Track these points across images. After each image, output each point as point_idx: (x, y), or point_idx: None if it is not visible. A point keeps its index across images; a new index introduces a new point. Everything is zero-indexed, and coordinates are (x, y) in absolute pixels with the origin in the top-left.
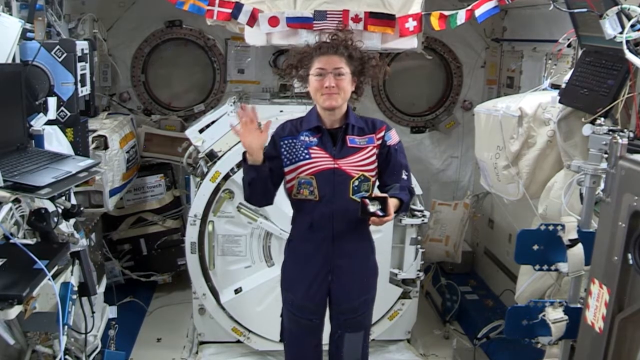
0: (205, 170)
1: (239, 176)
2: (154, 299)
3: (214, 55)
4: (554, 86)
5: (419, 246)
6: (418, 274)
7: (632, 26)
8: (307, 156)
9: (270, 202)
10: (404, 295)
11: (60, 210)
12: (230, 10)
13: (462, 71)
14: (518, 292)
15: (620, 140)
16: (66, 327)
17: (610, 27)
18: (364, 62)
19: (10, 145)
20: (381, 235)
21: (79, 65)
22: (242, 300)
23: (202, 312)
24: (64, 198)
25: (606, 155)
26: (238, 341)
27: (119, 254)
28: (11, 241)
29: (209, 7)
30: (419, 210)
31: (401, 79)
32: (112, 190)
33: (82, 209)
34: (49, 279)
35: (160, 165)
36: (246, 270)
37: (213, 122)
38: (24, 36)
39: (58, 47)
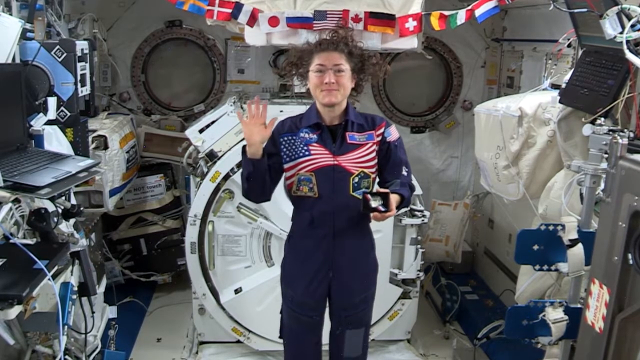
0: (205, 170)
1: (239, 176)
2: (154, 299)
3: (214, 55)
4: (554, 86)
5: (419, 246)
6: (418, 274)
7: (632, 26)
8: (307, 153)
9: (267, 198)
10: (404, 295)
11: (60, 210)
12: (230, 10)
13: (462, 71)
14: (518, 292)
15: (620, 140)
16: (66, 327)
17: (610, 27)
18: (364, 59)
19: (10, 145)
20: (381, 235)
21: (79, 65)
22: (242, 300)
23: (202, 312)
24: (63, 198)
25: (606, 155)
26: (238, 341)
27: (119, 254)
28: (11, 241)
29: (209, 7)
30: (419, 210)
31: (401, 79)
32: (112, 190)
33: (82, 209)
34: (49, 279)
35: (160, 165)
36: (246, 270)
37: (213, 122)
38: (24, 36)
39: (58, 47)
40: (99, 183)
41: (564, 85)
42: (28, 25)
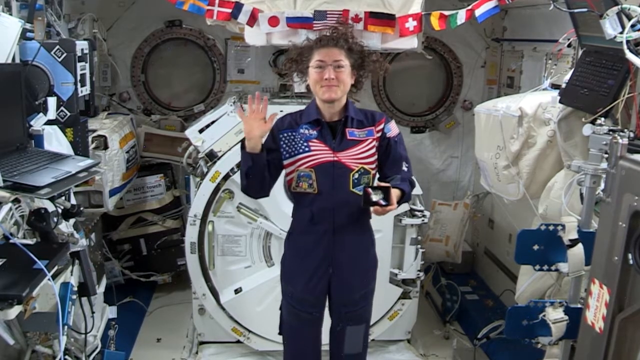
0: (205, 170)
1: (239, 176)
2: (154, 299)
3: (214, 55)
4: (554, 86)
5: (419, 246)
6: (418, 274)
7: (633, 26)
8: (307, 149)
9: (266, 193)
10: (404, 296)
11: (60, 210)
12: (230, 10)
13: (462, 71)
14: (518, 292)
15: (620, 140)
16: (66, 327)
17: (610, 27)
18: (364, 55)
19: (10, 145)
20: (381, 235)
21: (78, 65)
22: (242, 301)
23: (202, 312)
24: (63, 198)
25: (606, 155)
26: (238, 341)
27: (119, 254)
28: (11, 241)
29: (209, 7)
30: (419, 210)
31: (401, 79)
32: (112, 190)
33: (82, 209)
34: (49, 279)
35: (160, 165)
36: (246, 270)
37: (213, 122)
38: (24, 36)
39: (58, 47)
40: (99, 183)
41: (564, 85)
42: (28, 25)
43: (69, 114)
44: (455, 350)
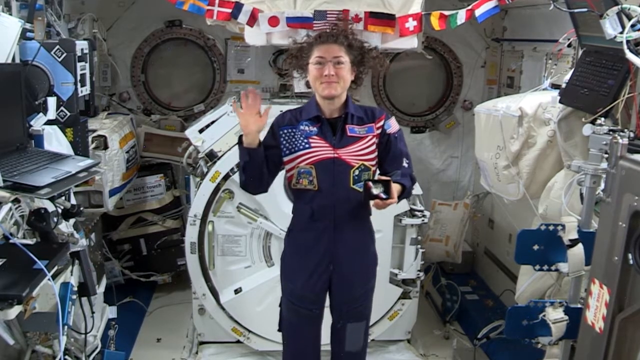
0: (205, 170)
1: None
2: (154, 299)
3: (214, 55)
4: (554, 86)
5: (419, 246)
6: (418, 274)
7: (633, 26)
8: (307, 145)
9: (265, 189)
10: (404, 296)
11: (60, 210)
12: (230, 10)
13: (462, 71)
14: (518, 292)
15: (620, 140)
16: (66, 327)
17: (610, 27)
18: (364, 52)
19: (10, 145)
20: (381, 235)
21: (78, 65)
22: (242, 301)
23: (202, 312)
24: (63, 198)
25: (606, 155)
26: (238, 341)
27: (119, 254)
28: (11, 241)
29: (209, 7)
30: (419, 210)
31: (401, 79)
32: (112, 190)
33: (81, 209)
34: (49, 279)
35: (160, 165)
36: (246, 271)
37: (213, 122)
38: (24, 36)
39: (58, 47)
40: (99, 183)
41: (564, 85)
42: (28, 25)
43: (69, 114)
44: (455, 350)
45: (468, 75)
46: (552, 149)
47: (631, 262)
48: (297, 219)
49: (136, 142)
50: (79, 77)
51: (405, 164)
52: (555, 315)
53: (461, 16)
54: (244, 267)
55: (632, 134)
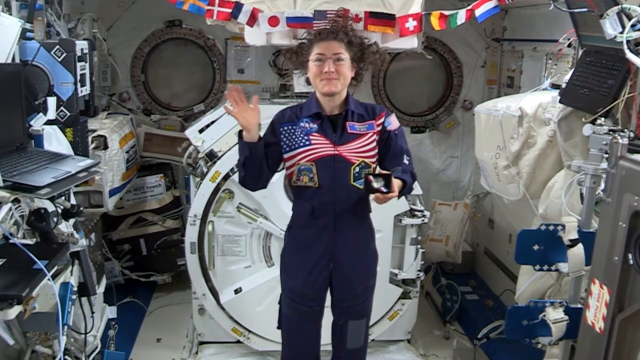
0: (205, 170)
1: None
2: (154, 299)
3: (214, 55)
4: (555, 86)
5: (419, 246)
6: (418, 274)
7: (633, 26)
8: (307, 142)
9: (264, 185)
10: (404, 296)
11: (59, 210)
12: (230, 10)
13: (462, 71)
14: (518, 292)
15: (620, 140)
16: (66, 327)
17: (610, 26)
18: (364, 48)
19: (10, 145)
20: (381, 235)
21: (78, 65)
22: (242, 301)
23: (202, 312)
24: (63, 198)
25: (606, 155)
26: (238, 341)
27: (119, 254)
28: (11, 241)
29: (209, 7)
30: (419, 210)
31: (401, 79)
32: (112, 190)
33: (81, 209)
34: (49, 279)
35: (160, 165)
36: (246, 271)
37: (213, 122)
38: (24, 36)
39: (58, 47)
40: (99, 183)
41: (564, 85)
42: (28, 25)
43: (68, 114)
44: (455, 350)
45: (468, 75)
46: (552, 149)
47: (631, 262)
48: (297, 216)
49: (136, 142)
50: (78, 77)
51: (405, 161)
52: (555, 315)
53: (461, 16)
54: (244, 267)
55: (632, 134)
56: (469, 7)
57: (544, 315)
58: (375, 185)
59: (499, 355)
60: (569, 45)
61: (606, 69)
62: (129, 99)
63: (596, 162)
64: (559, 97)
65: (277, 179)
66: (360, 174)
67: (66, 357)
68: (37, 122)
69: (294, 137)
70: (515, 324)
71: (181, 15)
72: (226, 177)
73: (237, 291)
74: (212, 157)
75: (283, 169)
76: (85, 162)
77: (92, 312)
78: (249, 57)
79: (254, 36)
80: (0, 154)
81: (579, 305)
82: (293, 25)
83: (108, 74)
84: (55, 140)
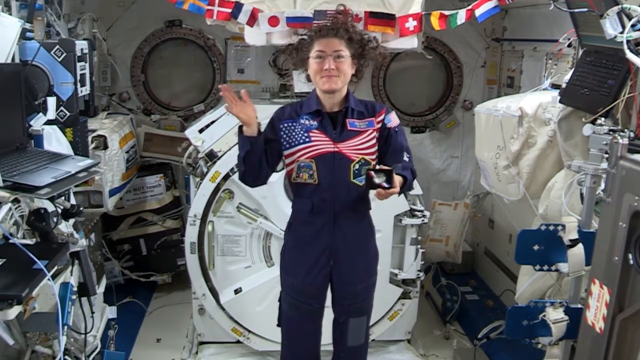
0: (205, 170)
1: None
2: (154, 299)
3: (214, 55)
4: (555, 86)
5: (419, 246)
6: (418, 274)
7: (633, 26)
8: (307, 139)
9: (263, 181)
10: (404, 296)
11: (59, 211)
12: (230, 10)
13: (463, 71)
14: (518, 292)
15: (620, 140)
16: (66, 327)
17: (610, 26)
18: (364, 44)
19: (10, 145)
20: (381, 235)
21: (78, 65)
22: (242, 301)
23: (202, 312)
24: (63, 198)
25: (607, 155)
26: (238, 341)
27: (119, 254)
28: (10, 241)
29: (209, 7)
30: (419, 210)
31: (401, 79)
32: (112, 190)
33: (81, 209)
34: (49, 279)
35: (160, 165)
36: (246, 271)
37: (213, 122)
38: (24, 36)
39: (57, 46)
40: (99, 183)
41: (564, 85)
42: (27, 25)
43: (68, 113)
44: (456, 350)
45: (468, 75)
46: (552, 149)
47: (631, 262)
48: (297, 213)
49: (136, 142)
50: (78, 77)
51: (405, 158)
52: (555, 315)
53: (461, 16)
54: (244, 267)
55: (632, 134)
56: (469, 7)
57: (544, 316)
58: (377, 180)
59: (499, 356)
60: (569, 45)
61: (606, 69)
62: (129, 99)
63: (596, 162)
64: (559, 97)
65: (277, 179)
66: (360, 171)
67: (66, 357)
68: (37, 122)
69: (293, 134)
70: (516, 324)
71: (181, 15)
72: (226, 177)
73: (237, 291)
74: (212, 157)
75: (283, 168)
76: (85, 162)
77: (92, 312)
78: (249, 57)
79: (254, 36)
80: (0, 154)
81: (579, 306)
82: (293, 25)
83: (108, 74)
84: (55, 140)
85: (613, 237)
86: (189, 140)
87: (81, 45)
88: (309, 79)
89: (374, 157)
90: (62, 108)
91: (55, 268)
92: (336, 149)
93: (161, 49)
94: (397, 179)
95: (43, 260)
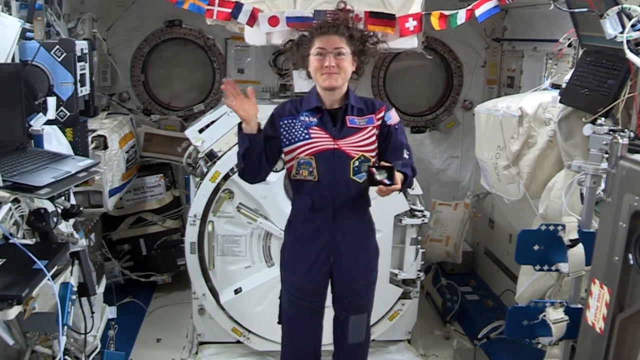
0: (205, 170)
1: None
2: (154, 299)
3: (214, 55)
4: (555, 86)
5: (419, 246)
6: (418, 274)
7: (633, 26)
8: (307, 136)
9: (262, 178)
10: (404, 296)
11: (59, 211)
12: (230, 10)
13: (463, 71)
14: (518, 292)
15: (620, 140)
16: (65, 327)
17: (610, 26)
18: (365, 41)
19: (10, 145)
20: (381, 235)
21: (78, 65)
22: (242, 301)
23: (202, 312)
24: (63, 198)
25: (607, 155)
26: (238, 341)
27: (119, 254)
28: (10, 241)
29: (209, 7)
30: (419, 210)
31: (401, 79)
32: (112, 190)
33: (81, 209)
34: (49, 279)
35: (160, 165)
36: (246, 271)
37: (213, 122)
38: (24, 36)
39: (57, 46)
40: (99, 183)
41: (564, 85)
42: (27, 25)
43: (68, 113)
44: (456, 350)
45: (468, 75)
46: (552, 149)
47: (631, 262)
48: (297, 210)
49: (136, 142)
50: (78, 77)
51: (405, 155)
52: (555, 315)
53: (461, 16)
54: (244, 267)
55: (632, 134)
56: (469, 7)
57: (544, 316)
58: (378, 177)
59: (499, 356)
60: (569, 45)
61: (606, 69)
62: (128, 99)
63: (596, 162)
64: (559, 97)
65: (277, 179)
66: (360, 168)
67: (66, 357)
68: (37, 122)
69: (293, 130)
70: (516, 324)
71: (181, 15)
72: (226, 177)
73: (237, 291)
74: (212, 157)
75: (283, 169)
76: (85, 162)
77: (92, 312)
78: (249, 57)
79: (254, 36)
80: (0, 154)
81: (579, 306)
82: (293, 25)
83: (108, 74)
84: (55, 140)
85: (613, 237)
86: (189, 140)
87: (81, 45)
88: (309, 76)
89: (373, 154)
90: (62, 108)
91: (55, 268)
92: (336, 146)
93: (161, 49)
94: (398, 176)
95: (43, 260)
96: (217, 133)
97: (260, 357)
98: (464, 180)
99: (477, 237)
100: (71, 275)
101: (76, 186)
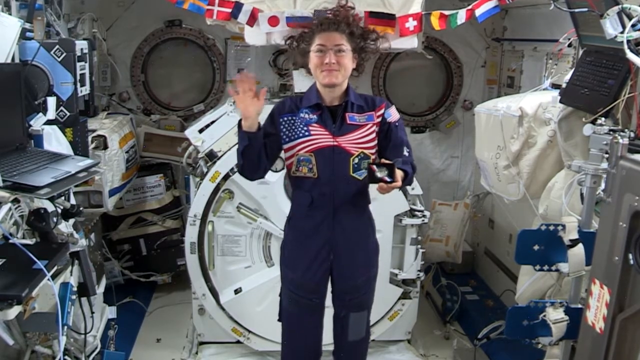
0: (205, 170)
1: (238, 176)
2: (154, 299)
3: (214, 55)
4: (555, 86)
5: (419, 246)
6: (418, 274)
7: (633, 26)
8: (307, 133)
9: (262, 175)
10: (404, 296)
11: (59, 211)
12: (230, 10)
13: (463, 71)
14: (518, 292)
15: (621, 140)
16: (65, 327)
17: (611, 26)
18: (365, 38)
19: (10, 145)
20: (381, 235)
21: (78, 65)
22: (242, 301)
23: (202, 312)
24: (63, 198)
25: (607, 155)
26: (238, 341)
27: (119, 254)
28: (10, 241)
29: (209, 7)
30: (419, 210)
31: (401, 79)
32: (112, 190)
33: (81, 209)
34: (49, 279)
35: (160, 165)
36: (246, 271)
37: (213, 122)
38: (23, 36)
39: (57, 46)
40: (99, 183)
41: (564, 85)
42: (27, 25)
43: (68, 113)
44: (456, 350)
45: (468, 75)
46: (552, 149)
47: (632, 262)
48: (297, 207)
49: (136, 142)
50: (78, 77)
51: (405, 153)
52: (555, 315)
53: (461, 16)
54: (244, 267)
55: (632, 134)
56: (469, 7)
57: (544, 316)
58: (379, 174)
59: (499, 356)
60: (569, 45)
61: (606, 69)
62: (128, 99)
63: (596, 162)
64: (559, 97)
65: (277, 179)
66: (360, 165)
67: (66, 357)
68: (37, 122)
69: (293, 127)
70: (516, 324)
71: (181, 15)
72: (226, 177)
73: (237, 291)
74: (212, 157)
75: (283, 168)
76: (85, 162)
77: (92, 312)
78: (249, 57)
79: (254, 36)
80: (0, 154)
81: (580, 306)
82: (293, 25)
83: (108, 74)
84: (55, 140)
85: (613, 237)
86: (189, 140)
87: (81, 45)
88: (309, 72)
89: (373, 151)
90: (62, 108)
91: (55, 268)
92: (335, 143)
93: (161, 49)
94: (399, 173)
95: (43, 260)
96: (217, 133)
97: (260, 357)
98: (464, 180)
99: (477, 237)
100: (71, 275)
101: (76, 186)
